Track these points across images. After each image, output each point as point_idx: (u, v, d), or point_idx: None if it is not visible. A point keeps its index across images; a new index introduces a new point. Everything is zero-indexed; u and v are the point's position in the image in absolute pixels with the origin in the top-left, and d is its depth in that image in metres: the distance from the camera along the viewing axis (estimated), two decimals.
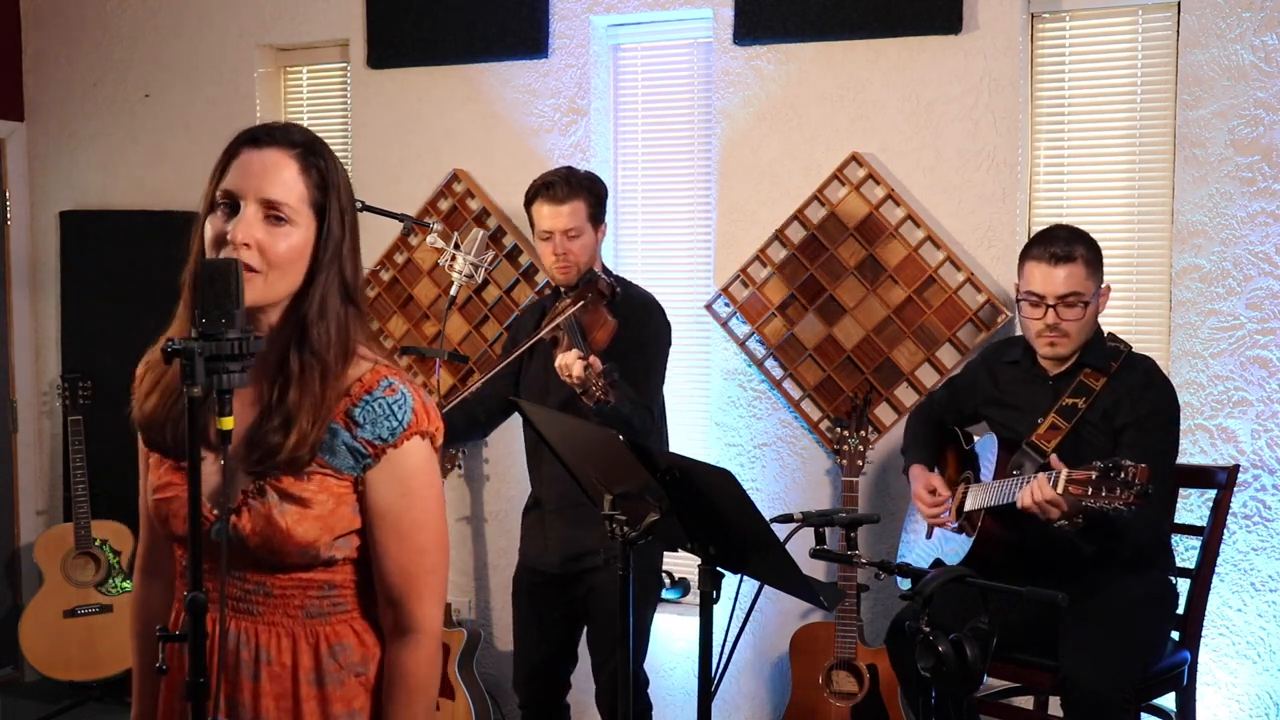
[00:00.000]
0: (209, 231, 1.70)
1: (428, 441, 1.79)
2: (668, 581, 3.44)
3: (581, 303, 3.17)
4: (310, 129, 1.81)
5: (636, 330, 3.26)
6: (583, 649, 3.46)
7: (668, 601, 3.58)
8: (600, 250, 3.41)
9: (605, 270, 3.42)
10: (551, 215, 3.29)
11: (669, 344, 3.40)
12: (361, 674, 1.80)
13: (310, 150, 1.74)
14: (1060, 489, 2.71)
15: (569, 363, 2.97)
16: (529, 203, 3.36)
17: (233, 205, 1.70)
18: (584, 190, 3.31)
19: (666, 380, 3.39)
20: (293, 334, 1.73)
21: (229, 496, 1.71)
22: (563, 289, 3.34)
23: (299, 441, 1.69)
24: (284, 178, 1.70)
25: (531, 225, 3.38)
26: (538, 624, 3.41)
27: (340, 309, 1.74)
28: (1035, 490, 2.78)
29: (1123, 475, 2.59)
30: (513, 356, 3.36)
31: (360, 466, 1.74)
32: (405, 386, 1.77)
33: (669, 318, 3.41)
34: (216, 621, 1.74)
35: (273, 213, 1.69)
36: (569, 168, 3.39)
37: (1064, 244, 3.00)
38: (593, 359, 2.96)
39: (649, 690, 3.45)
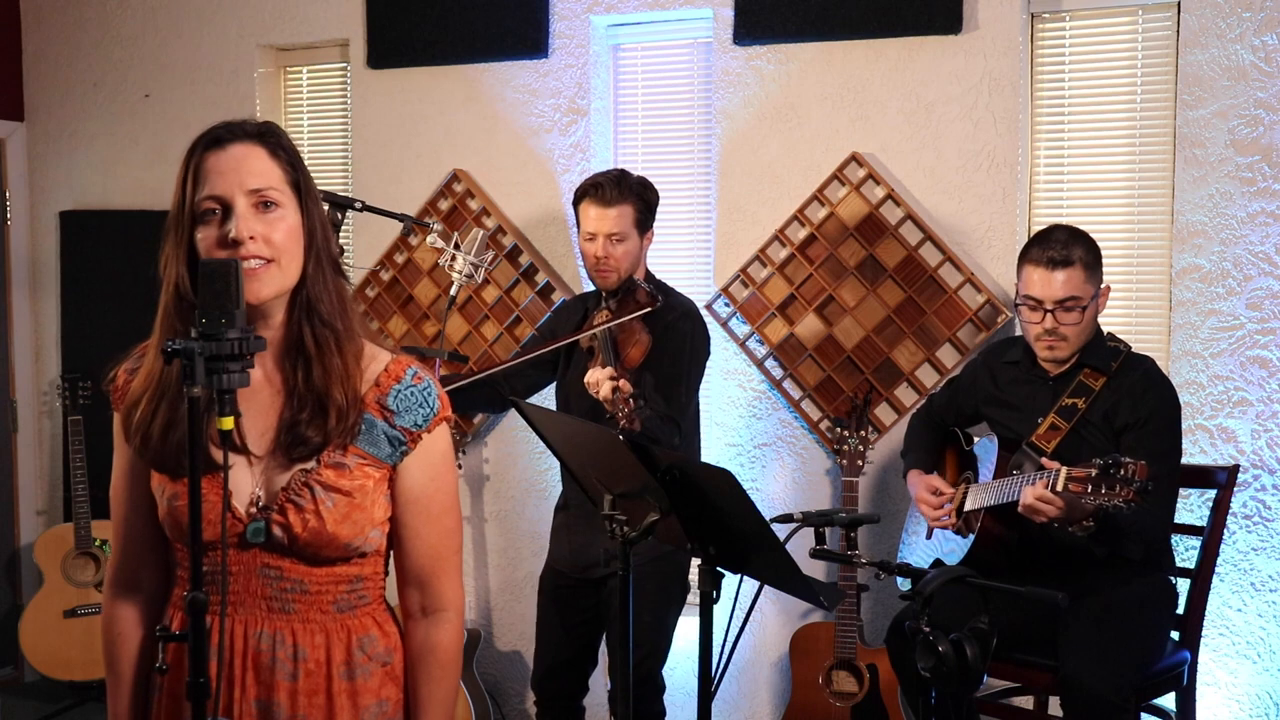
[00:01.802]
0: (204, 244, 1.71)
1: (449, 428, 1.86)
2: None
3: (619, 317, 3.16)
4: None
5: (674, 340, 3.24)
6: (601, 651, 3.46)
7: None
8: (645, 257, 3.38)
9: (649, 277, 3.39)
10: (598, 218, 3.24)
11: (706, 355, 3.39)
12: (387, 663, 1.84)
13: (270, 135, 1.77)
14: (1060, 487, 2.71)
15: (597, 380, 2.97)
16: (576, 201, 3.33)
17: (223, 209, 1.70)
18: (633, 195, 3.26)
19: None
20: (301, 314, 1.75)
21: (269, 496, 1.74)
22: (604, 294, 3.33)
23: (340, 416, 1.73)
24: (259, 166, 1.72)
25: (576, 225, 3.36)
26: (561, 625, 3.40)
27: (334, 279, 1.79)
28: (1029, 492, 2.79)
29: (1122, 472, 2.59)
30: (547, 349, 3.35)
31: (398, 454, 1.80)
32: (427, 375, 1.85)
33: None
34: (245, 623, 1.76)
35: (262, 201, 1.71)
36: (622, 171, 3.35)
37: (1062, 247, 2.99)
38: (622, 383, 2.94)
39: (665, 697, 3.44)
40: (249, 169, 1.71)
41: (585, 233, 3.29)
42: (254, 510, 1.74)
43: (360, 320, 1.84)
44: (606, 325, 3.17)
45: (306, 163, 1.81)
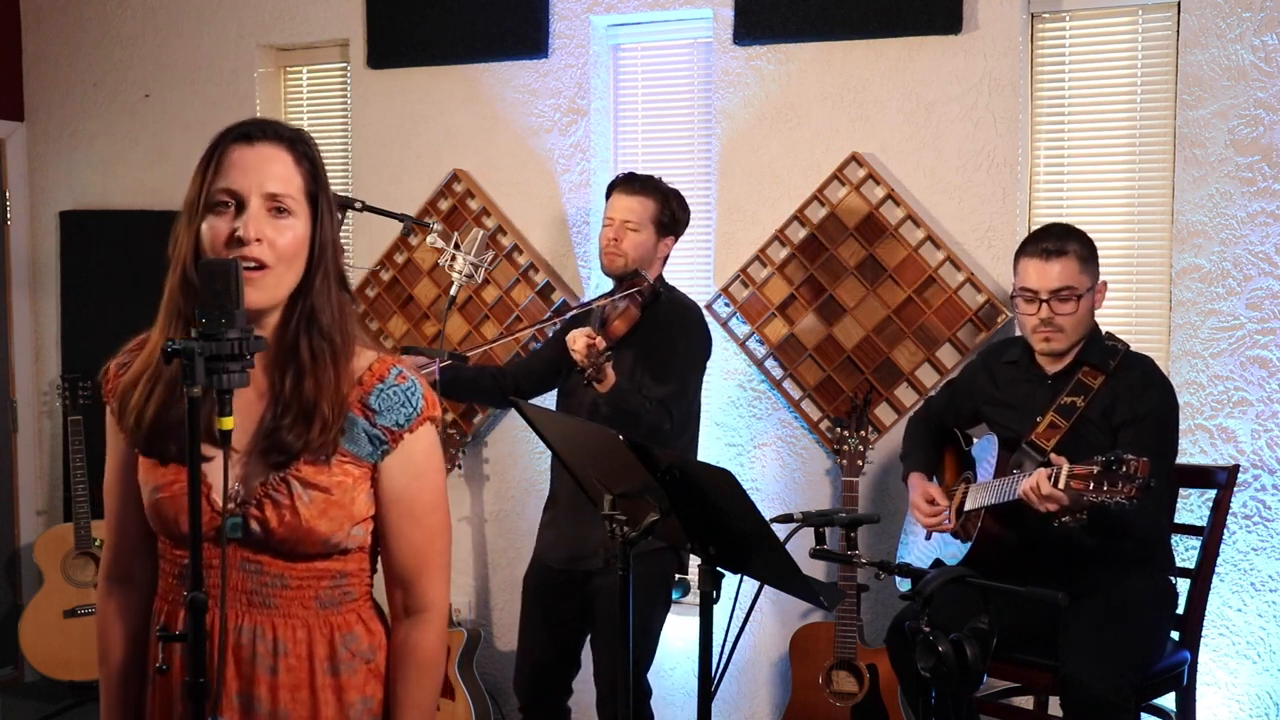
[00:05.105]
0: (210, 234, 1.71)
1: (434, 427, 1.84)
2: None
3: (617, 295, 3.26)
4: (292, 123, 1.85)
5: (669, 332, 3.30)
6: (586, 654, 3.45)
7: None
8: (662, 261, 3.44)
9: (661, 280, 3.44)
10: (617, 203, 3.38)
11: (704, 352, 3.41)
12: (371, 661, 1.84)
13: (300, 141, 1.77)
14: (1062, 484, 2.72)
15: (574, 337, 3.08)
16: (608, 194, 3.46)
17: (237, 204, 1.71)
18: (658, 193, 3.38)
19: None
20: (300, 323, 1.75)
21: (248, 492, 1.74)
22: (615, 284, 3.40)
23: (323, 428, 1.72)
24: (281, 171, 1.73)
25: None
26: (545, 623, 3.39)
27: (339, 293, 1.79)
28: (1031, 483, 2.78)
29: (1124, 469, 2.60)
30: (536, 324, 3.57)
31: (379, 453, 1.79)
32: (412, 374, 1.82)
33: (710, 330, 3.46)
34: (227, 618, 1.75)
35: (275, 205, 1.71)
36: (660, 178, 3.45)
37: (1056, 239, 3.03)
38: (597, 338, 3.05)
39: (651, 702, 3.42)
40: (271, 172, 1.72)
41: (606, 218, 3.40)
42: (231, 506, 1.74)
43: (359, 325, 1.84)
44: (600, 304, 3.28)
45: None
